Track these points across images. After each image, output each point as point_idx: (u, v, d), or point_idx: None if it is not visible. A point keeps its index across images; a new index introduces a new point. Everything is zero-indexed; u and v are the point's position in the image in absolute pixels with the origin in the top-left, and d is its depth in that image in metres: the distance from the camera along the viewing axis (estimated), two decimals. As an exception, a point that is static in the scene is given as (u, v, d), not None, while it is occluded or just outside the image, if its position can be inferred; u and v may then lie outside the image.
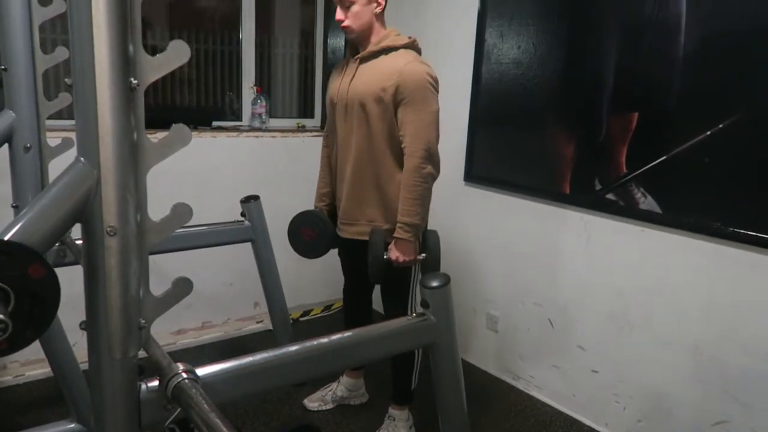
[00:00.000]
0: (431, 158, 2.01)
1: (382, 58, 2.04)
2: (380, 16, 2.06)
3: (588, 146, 2.38)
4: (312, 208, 2.38)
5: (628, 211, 2.26)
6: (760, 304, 1.95)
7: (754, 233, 1.92)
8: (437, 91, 2.04)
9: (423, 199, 2.02)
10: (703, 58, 2.00)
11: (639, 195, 2.21)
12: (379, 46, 2.04)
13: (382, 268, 2.04)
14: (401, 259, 2.03)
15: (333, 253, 2.38)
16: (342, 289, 2.52)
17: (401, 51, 2.04)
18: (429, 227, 2.16)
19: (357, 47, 2.12)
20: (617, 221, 2.32)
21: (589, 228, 2.44)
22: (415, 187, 2.00)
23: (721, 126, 1.96)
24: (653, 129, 2.16)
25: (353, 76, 2.09)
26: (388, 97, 1.98)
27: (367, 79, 2.03)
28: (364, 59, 2.07)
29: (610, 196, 2.31)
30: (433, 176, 2.05)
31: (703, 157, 2.01)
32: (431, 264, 2.10)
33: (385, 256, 2.03)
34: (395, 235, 2.03)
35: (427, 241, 2.11)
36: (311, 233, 2.26)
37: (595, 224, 2.41)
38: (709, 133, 1.99)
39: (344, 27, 2.04)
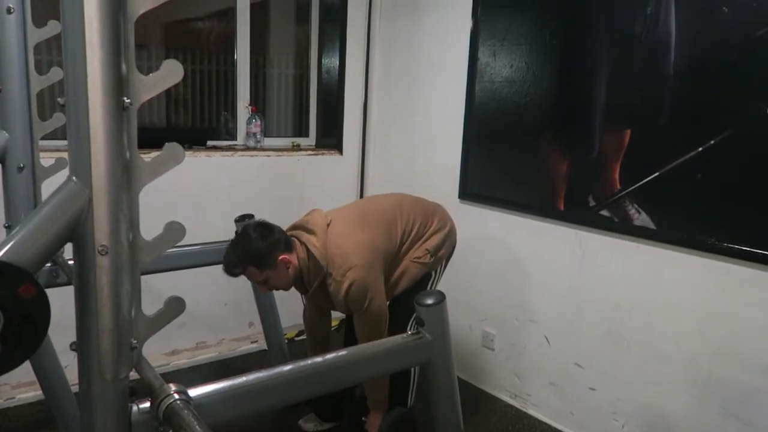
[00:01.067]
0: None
1: (324, 287, 2.08)
2: (291, 260, 2.03)
3: (581, 163, 2.39)
4: None
5: (623, 227, 2.27)
6: (757, 319, 1.95)
7: (748, 248, 1.92)
8: (367, 277, 2.03)
9: (381, 385, 2.21)
10: (693, 75, 2.03)
11: (633, 211, 2.22)
12: (314, 287, 2.08)
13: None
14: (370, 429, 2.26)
15: None
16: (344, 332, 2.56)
17: (328, 274, 2.04)
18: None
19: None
20: (612, 237, 2.32)
21: (583, 244, 2.44)
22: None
23: (712, 142, 1.97)
24: (646, 145, 2.17)
25: (316, 299, 2.25)
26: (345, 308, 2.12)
27: (328, 302, 2.17)
28: (314, 294, 2.14)
29: (604, 212, 2.32)
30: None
31: (695, 173, 2.02)
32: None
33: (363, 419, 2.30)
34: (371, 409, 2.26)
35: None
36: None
37: (589, 240, 2.41)
38: (700, 149, 2.00)
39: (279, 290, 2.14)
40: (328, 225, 2.08)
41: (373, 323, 2.08)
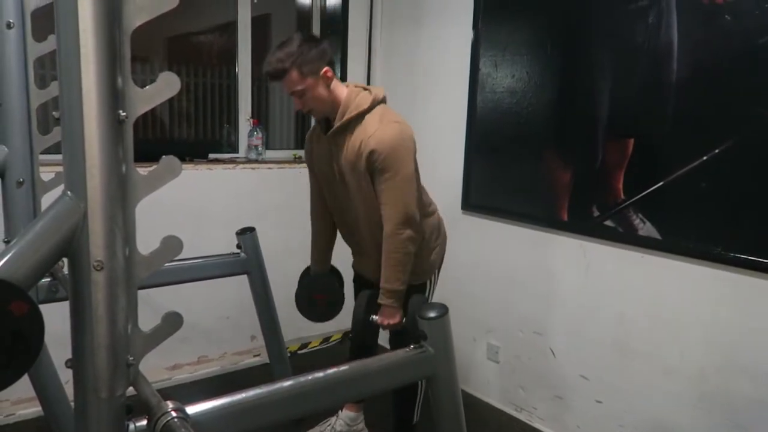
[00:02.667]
0: (408, 222, 1.94)
1: (352, 129, 1.95)
2: (335, 84, 1.95)
3: (585, 173, 2.37)
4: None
5: (628, 238, 2.24)
6: (763, 329, 1.92)
7: (754, 258, 1.90)
8: (410, 147, 1.95)
9: (403, 265, 1.98)
10: (696, 84, 2.01)
11: (638, 221, 2.20)
12: (345, 118, 1.93)
13: (364, 331, 2.03)
14: (385, 323, 2.01)
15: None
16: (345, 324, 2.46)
17: (367, 117, 1.93)
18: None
19: (328, 119, 2.04)
20: (617, 248, 2.30)
21: (588, 255, 2.42)
22: (393, 253, 1.95)
23: (716, 151, 1.95)
24: (649, 155, 2.16)
25: (330, 150, 2.03)
26: (362, 169, 1.93)
27: (346, 151, 1.96)
28: (336, 133, 1.98)
29: (608, 222, 2.30)
30: (413, 239, 1.97)
31: (700, 182, 2.00)
32: (409, 331, 2.01)
33: (371, 318, 2.02)
34: (379, 300, 2.00)
35: (405, 309, 2.04)
36: (327, 298, 2.25)
37: (594, 251, 2.39)
38: (705, 158, 1.98)
39: (308, 112, 1.99)
40: (385, 99, 2.00)
41: (405, 186, 1.92)
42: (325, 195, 2.20)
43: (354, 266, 2.31)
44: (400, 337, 2.10)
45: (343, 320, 2.31)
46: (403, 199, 1.92)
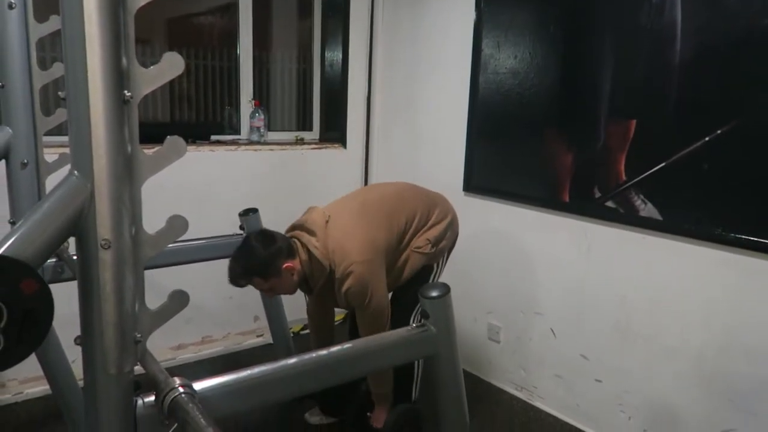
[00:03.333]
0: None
1: (327, 288, 2.10)
2: (299, 266, 2.03)
3: (586, 154, 2.37)
4: None
5: (629, 219, 2.25)
6: (764, 310, 1.93)
7: (755, 239, 1.90)
8: (375, 274, 2.06)
9: (384, 378, 2.23)
10: (699, 65, 2.01)
11: (639, 202, 2.21)
12: (318, 287, 2.08)
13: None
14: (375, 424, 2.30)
15: None
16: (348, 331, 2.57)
17: (332, 276, 2.05)
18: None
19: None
20: (618, 229, 2.31)
21: (589, 236, 2.43)
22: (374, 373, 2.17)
23: (719, 132, 1.95)
24: (651, 136, 2.15)
25: (320, 296, 2.25)
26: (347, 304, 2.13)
27: (331, 298, 2.18)
28: (318, 293, 2.16)
29: (609, 203, 2.30)
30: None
31: (702, 163, 2.01)
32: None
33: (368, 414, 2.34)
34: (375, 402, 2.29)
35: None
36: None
37: (595, 232, 2.40)
38: (707, 139, 1.98)
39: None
40: (327, 222, 2.08)
41: (374, 318, 2.08)
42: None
43: None
44: (396, 310, 2.23)
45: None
46: (376, 325, 2.10)
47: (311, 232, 2.05)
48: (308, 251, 2.03)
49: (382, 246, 2.08)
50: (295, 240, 2.07)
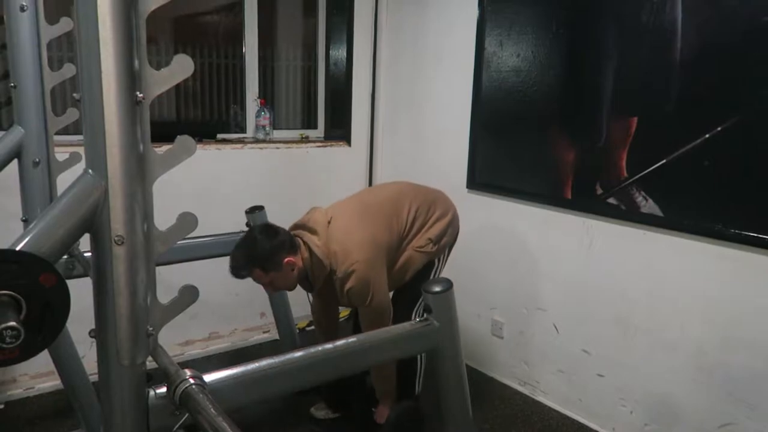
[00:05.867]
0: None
1: (328, 286, 2.13)
2: (300, 263, 2.06)
3: (588, 151, 2.39)
4: None
5: (630, 215, 2.27)
6: (763, 305, 1.95)
7: (756, 234, 1.92)
8: (377, 271, 2.09)
9: (388, 376, 2.31)
10: (700, 62, 2.02)
11: (640, 199, 2.23)
12: (318, 284, 2.12)
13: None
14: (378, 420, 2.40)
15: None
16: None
17: (333, 275, 2.08)
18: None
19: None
20: (619, 225, 2.33)
21: (591, 232, 2.45)
22: (375, 370, 2.29)
23: (719, 129, 1.97)
24: (653, 133, 2.17)
25: (322, 294, 2.30)
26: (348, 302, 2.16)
27: (333, 297, 2.21)
28: (319, 291, 2.21)
29: (611, 200, 2.32)
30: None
31: (702, 160, 2.02)
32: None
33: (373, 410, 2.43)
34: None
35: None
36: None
37: (597, 228, 2.42)
38: (707, 136, 2.00)
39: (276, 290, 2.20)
40: (329, 222, 2.11)
41: (376, 315, 2.12)
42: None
43: None
44: (398, 303, 2.28)
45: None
46: (378, 326, 2.09)
47: (313, 231, 2.08)
48: (310, 249, 2.06)
49: (383, 245, 2.11)
50: (298, 238, 2.10)
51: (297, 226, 2.16)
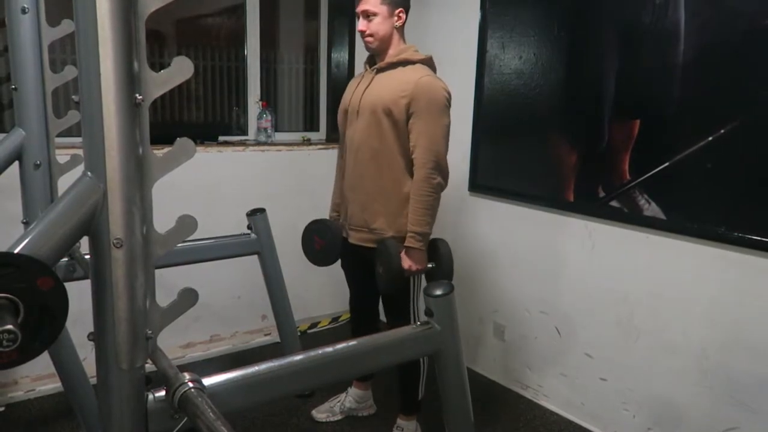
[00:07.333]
0: (441, 169, 2.07)
1: (399, 70, 2.10)
2: (400, 30, 2.14)
3: (591, 154, 2.39)
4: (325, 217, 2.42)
5: (633, 218, 2.26)
6: (766, 308, 1.94)
7: (758, 237, 1.91)
8: (450, 107, 2.09)
9: (433, 209, 2.08)
10: (702, 65, 2.02)
11: (643, 201, 2.22)
12: (397, 58, 2.10)
13: (397, 278, 2.07)
14: (414, 267, 2.07)
15: (322, 279, 2.40)
16: (348, 300, 2.53)
17: (418, 66, 2.09)
18: (434, 236, 2.18)
19: (375, 58, 2.19)
20: (622, 228, 2.32)
21: (593, 235, 2.44)
22: (426, 197, 2.05)
23: (722, 131, 1.96)
24: (655, 136, 2.17)
25: (368, 85, 2.15)
26: (400, 108, 2.04)
27: (382, 88, 2.09)
28: (381, 70, 2.13)
29: (614, 203, 2.32)
30: (442, 186, 2.10)
31: (705, 163, 2.02)
32: (445, 272, 2.13)
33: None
34: (406, 244, 2.07)
35: (438, 250, 2.13)
36: (321, 242, 2.30)
37: (599, 231, 2.41)
38: (710, 138, 1.99)
39: (366, 37, 2.12)
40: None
41: (438, 135, 2.05)
42: (344, 137, 2.28)
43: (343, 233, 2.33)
44: (394, 302, 2.21)
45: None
46: (439, 146, 2.06)
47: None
48: (413, 50, 2.13)
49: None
50: None
51: None
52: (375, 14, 2.07)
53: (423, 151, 2.04)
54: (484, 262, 2.92)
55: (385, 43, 2.12)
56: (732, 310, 2.03)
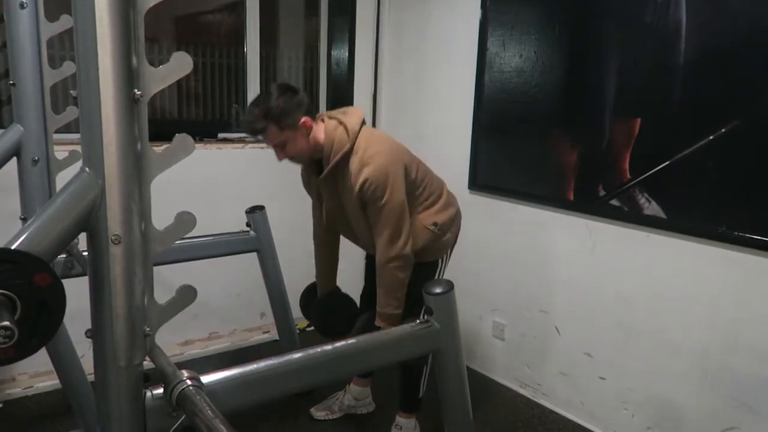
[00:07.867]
0: (396, 253, 1.99)
1: (341, 168, 2.00)
2: (316, 129, 1.99)
3: (591, 153, 2.38)
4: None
5: (633, 217, 2.26)
6: (767, 308, 1.94)
7: (759, 237, 1.91)
8: (399, 174, 1.98)
9: (395, 291, 2.03)
10: (703, 64, 2.01)
11: (643, 200, 2.21)
12: (332, 163, 1.98)
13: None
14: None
15: (340, 265, 2.39)
16: (360, 294, 2.50)
17: (352, 157, 1.96)
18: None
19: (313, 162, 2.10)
20: (622, 227, 2.32)
21: (594, 234, 2.43)
22: (385, 281, 2.02)
23: (723, 130, 1.96)
24: (656, 134, 2.16)
25: (325, 186, 2.08)
26: (357, 200, 1.99)
27: (337, 188, 2.04)
28: (327, 176, 2.03)
29: (614, 202, 2.31)
30: (402, 267, 2.02)
31: (706, 162, 2.01)
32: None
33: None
34: (376, 323, 2.06)
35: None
36: (348, 324, 2.27)
37: (600, 230, 2.41)
38: (711, 137, 1.99)
39: (292, 161, 2.04)
40: (363, 122, 2.03)
41: (393, 215, 1.97)
42: (325, 217, 2.22)
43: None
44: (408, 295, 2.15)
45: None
46: (393, 228, 1.98)
47: (345, 114, 2.03)
48: (338, 121, 1.99)
49: (406, 162, 2.04)
50: (324, 115, 2.04)
51: (331, 115, 2.08)
52: (283, 142, 1.94)
53: (379, 238, 1.99)
54: (484, 261, 2.91)
55: (311, 151, 2.00)
56: (733, 310, 2.02)
